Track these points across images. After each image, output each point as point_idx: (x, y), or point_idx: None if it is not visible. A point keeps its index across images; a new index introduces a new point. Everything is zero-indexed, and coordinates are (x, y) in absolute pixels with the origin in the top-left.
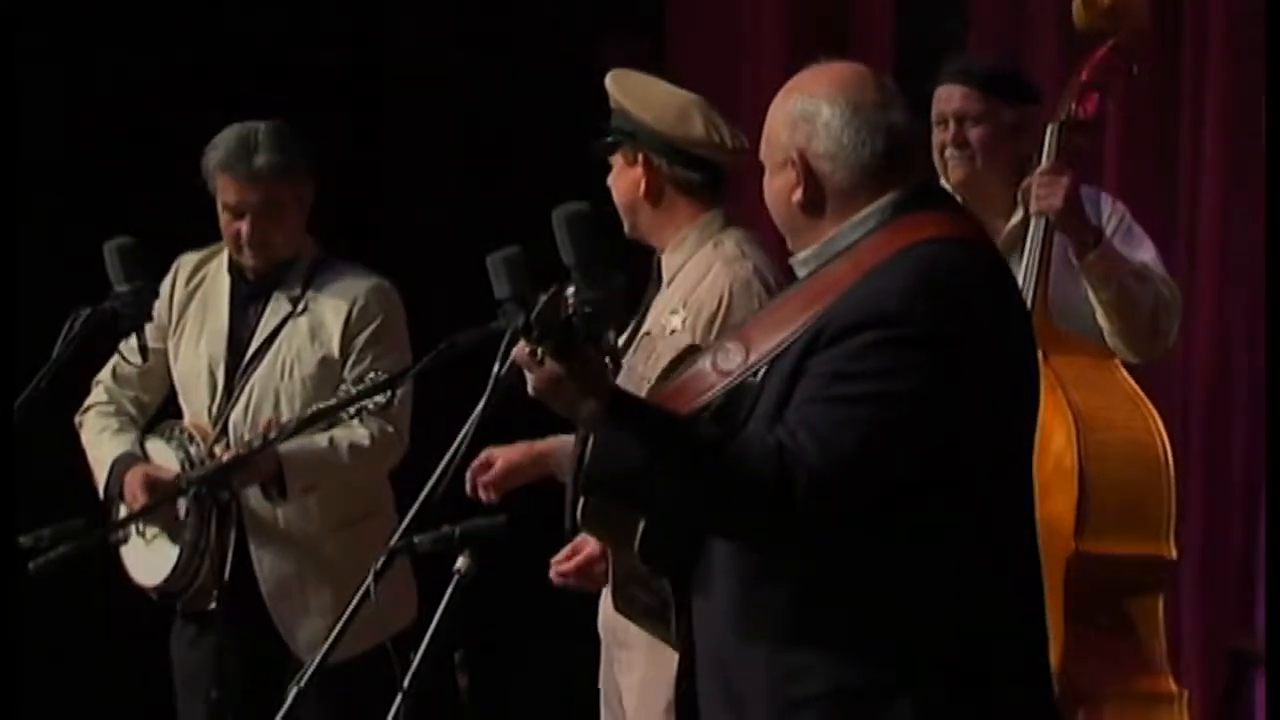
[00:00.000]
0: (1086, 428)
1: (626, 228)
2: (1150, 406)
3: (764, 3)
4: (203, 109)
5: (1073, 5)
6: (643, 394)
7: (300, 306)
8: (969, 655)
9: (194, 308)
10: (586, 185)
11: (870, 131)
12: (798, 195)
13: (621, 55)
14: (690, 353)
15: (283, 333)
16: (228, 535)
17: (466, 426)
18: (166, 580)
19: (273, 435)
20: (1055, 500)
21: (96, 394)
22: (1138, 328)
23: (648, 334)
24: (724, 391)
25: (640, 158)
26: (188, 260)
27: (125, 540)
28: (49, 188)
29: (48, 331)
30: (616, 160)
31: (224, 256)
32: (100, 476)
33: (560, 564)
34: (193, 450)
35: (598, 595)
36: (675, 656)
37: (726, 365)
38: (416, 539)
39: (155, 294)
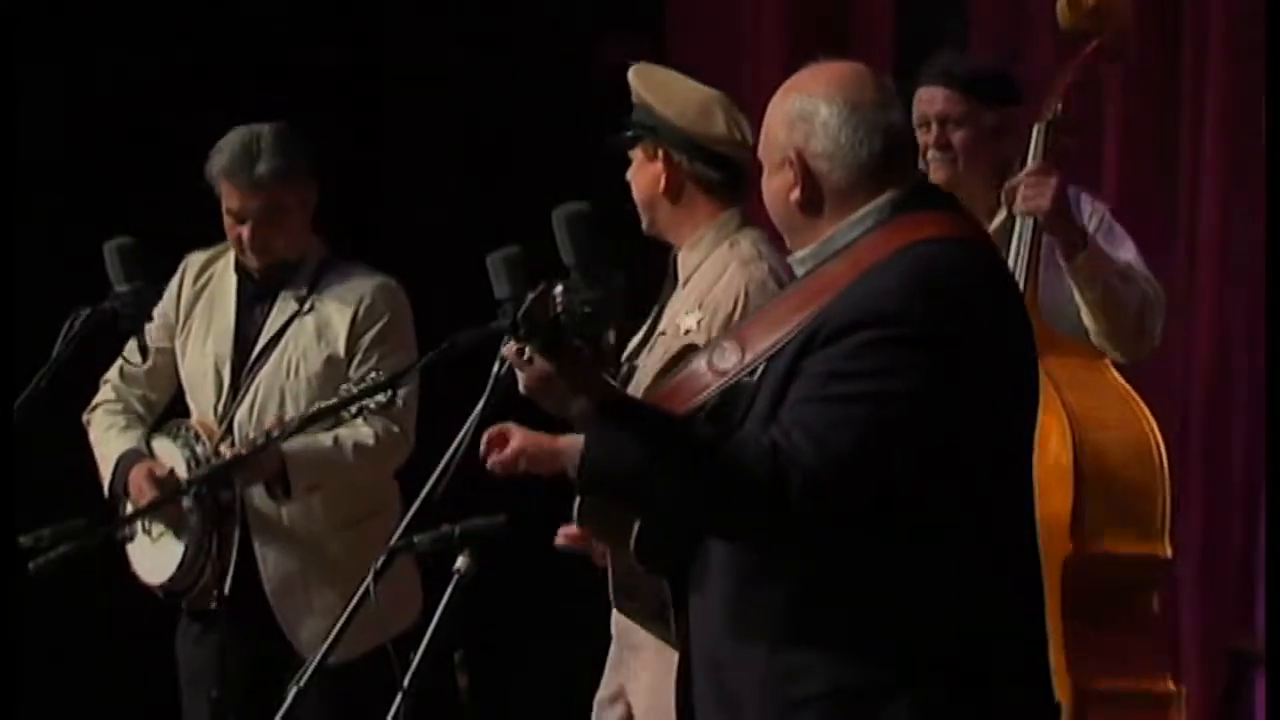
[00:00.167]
0: (1081, 428)
1: (644, 224)
2: (1143, 406)
3: (764, 3)
4: (203, 109)
5: (1057, 6)
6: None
7: (306, 306)
8: (969, 655)
9: (201, 307)
10: (586, 185)
11: (868, 131)
12: (795, 195)
13: (621, 55)
14: (687, 352)
15: (289, 332)
16: (232, 534)
17: (466, 426)
18: (172, 579)
19: (275, 434)
20: (1051, 500)
21: (104, 392)
22: (1124, 327)
23: (663, 333)
24: (720, 391)
25: (661, 153)
26: (195, 259)
27: (131, 538)
28: (49, 188)
29: (48, 331)
30: (636, 155)
31: (230, 256)
32: (106, 474)
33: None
34: (199, 449)
35: (599, 595)
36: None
37: (723, 365)
38: (416, 539)
39: (155, 294)
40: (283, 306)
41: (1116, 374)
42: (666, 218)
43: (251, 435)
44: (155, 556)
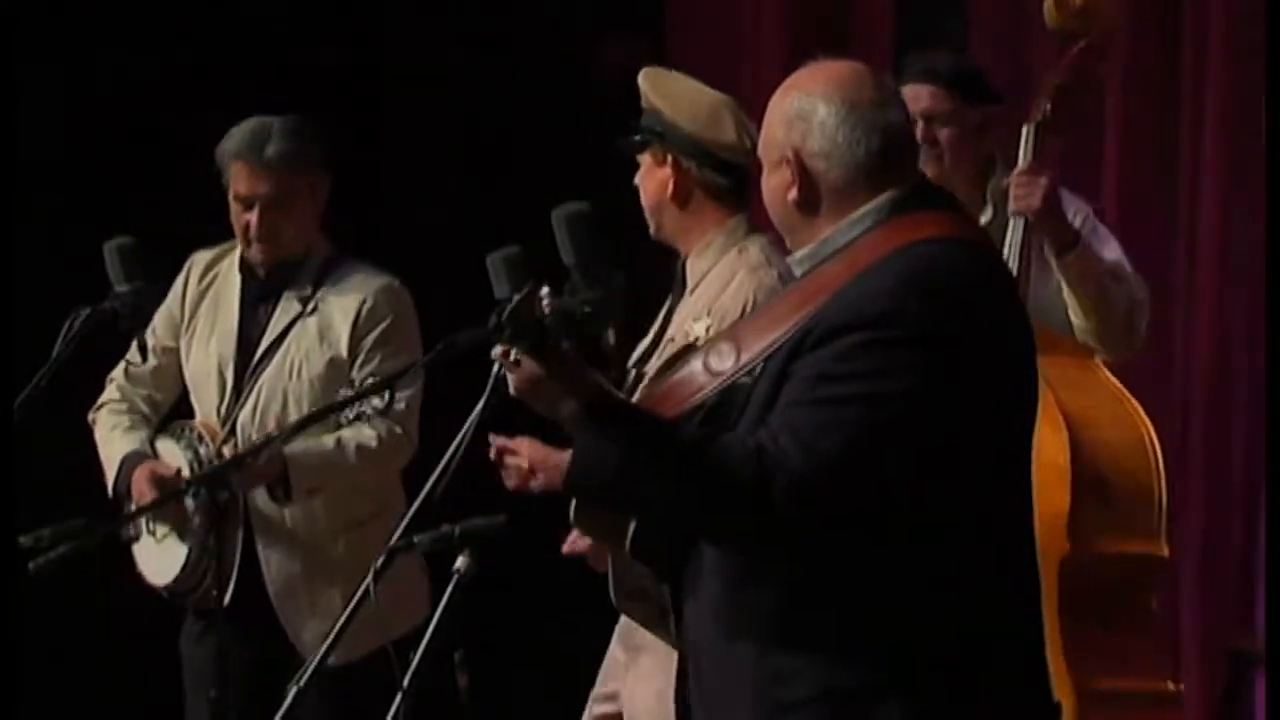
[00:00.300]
0: (1078, 427)
1: (652, 229)
2: (1137, 405)
3: (764, 3)
4: (203, 109)
5: (1044, 6)
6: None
7: (310, 307)
8: (966, 656)
9: (205, 306)
10: (586, 185)
11: (866, 130)
12: (793, 194)
13: (621, 55)
14: (684, 353)
15: (292, 333)
16: (235, 535)
17: (466, 426)
18: (176, 580)
19: (272, 436)
20: (1049, 500)
21: (109, 391)
22: (1113, 326)
23: (671, 340)
24: (715, 392)
25: (670, 159)
26: (200, 258)
27: (137, 538)
28: (49, 188)
29: (48, 331)
30: (645, 159)
31: (236, 255)
32: (110, 475)
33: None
34: (202, 450)
35: (599, 595)
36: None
37: (719, 366)
38: (416, 539)
39: (155, 294)
40: (286, 307)
41: (1108, 373)
42: (674, 223)
43: (255, 437)
44: (160, 558)
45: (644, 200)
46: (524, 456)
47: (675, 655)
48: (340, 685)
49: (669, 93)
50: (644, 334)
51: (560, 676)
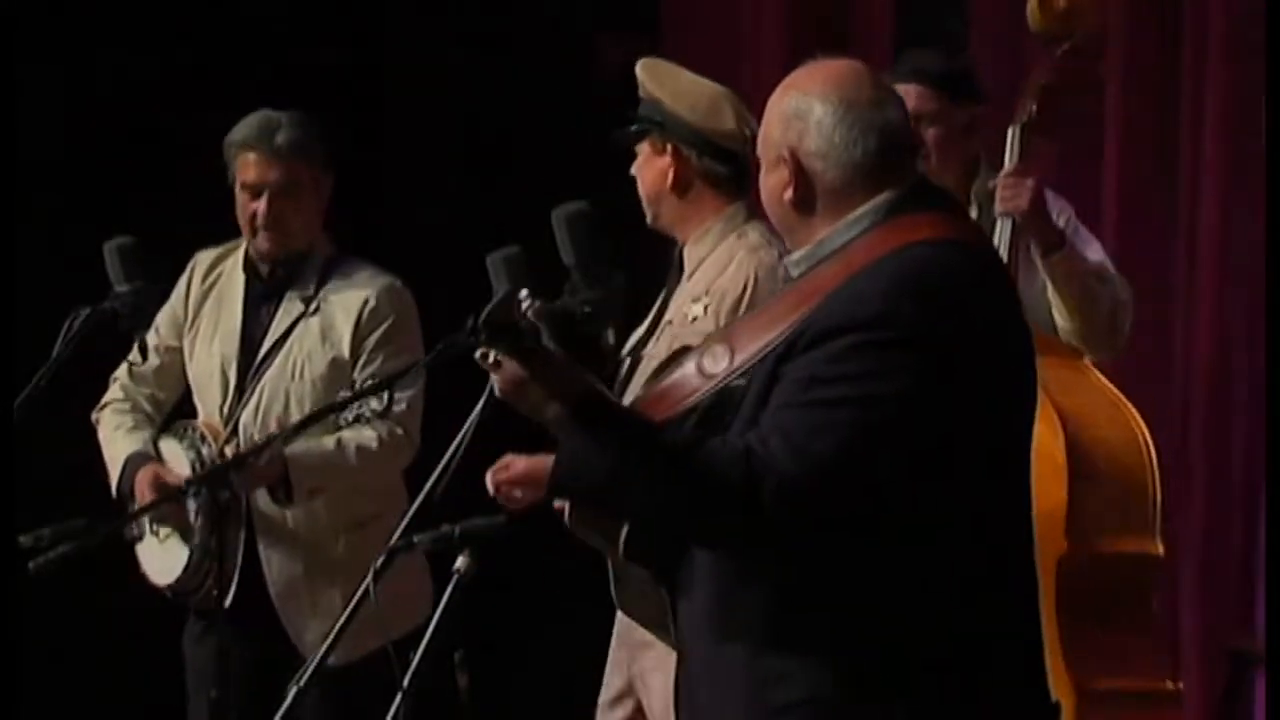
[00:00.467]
0: (1073, 427)
1: (649, 218)
2: (1129, 404)
3: (764, 3)
4: (203, 109)
5: (1028, 8)
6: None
7: (312, 307)
8: (962, 657)
9: (209, 306)
10: (586, 185)
11: (863, 130)
12: (789, 194)
13: (621, 55)
14: (680, 354)
15: (294, 333)
16: (237, 536)
17: (466, 427)
18: (178, 580)
19: (272, 437)
20: (1046, 499)
21: (113, 391)
22: (1097, 327)
23: (669, 323)
24: (709, 395)
25: (670, 148)
26: (204, 257)
27: (140, 539)
28: (49, 188)
29: (48, 331)
30: (643, 149)
31: (239, 254)
32: (114, 475)
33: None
34: (204, 450)
35: (599, 595)
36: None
37: (712, 368)
38: (416, 538)
39: (155, 294)
40: (289, 307)
41: (1099, 374)
42: (673, 212)
43: (257, 438)
44: (163, 558)
45: (642, 189)
46: (516, 472)
47: None
48: (340, 685)
49: (668, 83)
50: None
51: (560, 676)
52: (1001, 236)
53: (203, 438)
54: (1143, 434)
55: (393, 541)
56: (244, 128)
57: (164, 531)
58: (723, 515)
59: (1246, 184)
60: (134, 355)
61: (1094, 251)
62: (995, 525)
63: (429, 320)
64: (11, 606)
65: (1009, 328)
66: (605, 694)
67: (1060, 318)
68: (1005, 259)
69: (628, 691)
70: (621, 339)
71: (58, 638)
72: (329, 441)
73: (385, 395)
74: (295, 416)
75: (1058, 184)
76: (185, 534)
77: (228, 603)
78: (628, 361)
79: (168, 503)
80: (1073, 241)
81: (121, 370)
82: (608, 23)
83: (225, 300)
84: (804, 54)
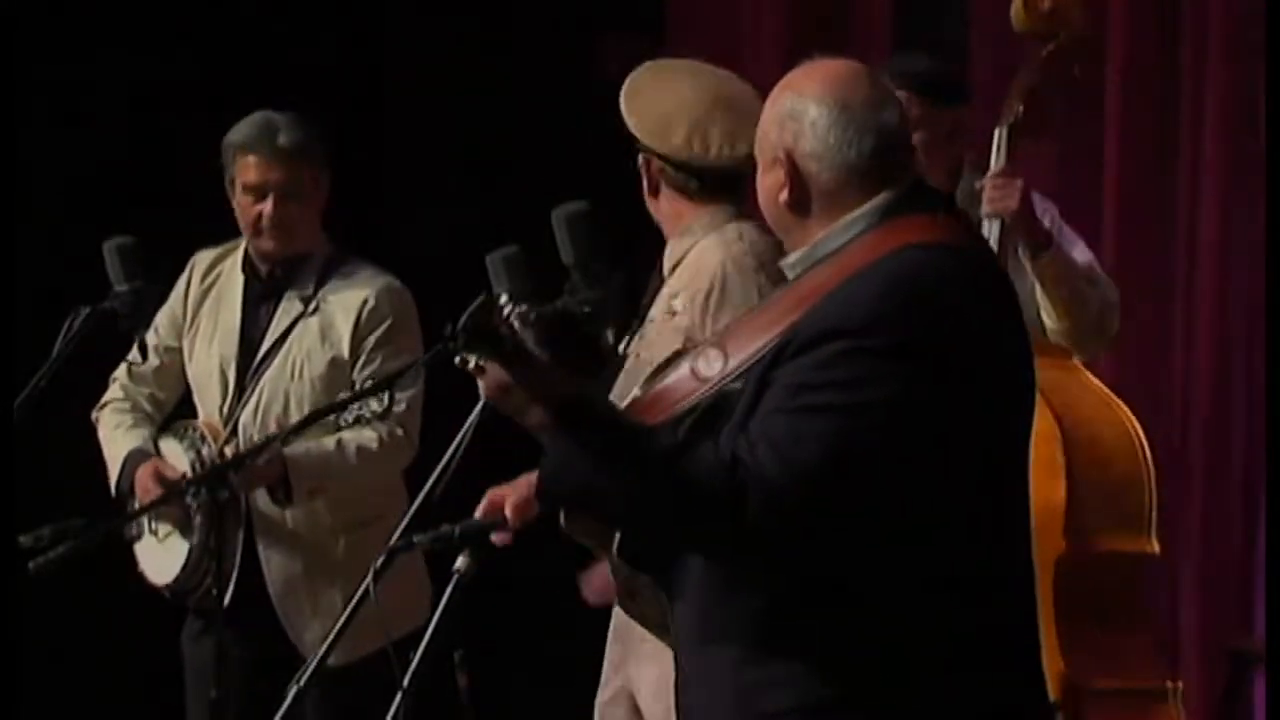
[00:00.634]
0: (1068, 427)
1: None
2: (1121, 404)
3: (764, 3)
4: (203, 109)
5: (1012, 8)
6: (643, 378)
7: (311, 307)
8: (957, 663)
9: (208, 306)
10: (586, 185)
11: (858, 131)
12: (784, 195)
13: (621, 55)
14: (675, 357)
15: (294, 333)
16: (236, 535)
17: (465, 427)
18: (177, 579)
19: (271, 437)
20: (1043, 500)
21: (113, 390)
22: (1085, 327)
23: (652, 320)
24: (702, 399)
25: (641, 158)
26: (203, 257)
27: (139, 538)
28: (49, 188)
29: (48, 331)
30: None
31: (238, 254)
32: (113, 473)
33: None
34: (204, 450)
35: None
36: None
37: (706, 372)
38: (416, 538)
39: (155, 294)
40: (288, 307)
41: (1090, 374)
42: (655, 214)
43: (256, 438)
44: (161, 557)
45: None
46: (510, 501)
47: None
48: (340, 685)
49: (636, 97)
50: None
51: (560, 676)
52: (990, 238)
53: (203, 437)
54: (1136, 432)
55: (393, 541)
56: (244, 129)
57: (163, 530)
58: (708, 522)
59: (1246, 184)
60: (134, 355)
61: (1080, 252)
62: (993, 527)
63: (429, 320)
64: (11, 606)
65: (1005, 330)
66: (603, 693)
67: (1049, 318)
68: None
69: (625, 688)
70: (621, 339)
71: (58, 638)
72: (329, 442)
73: (385, 396)
74: (295, 416)
75: (1058, 184)
76: (184, 533)
77: (226, 602)
78: (628, 359)
79: (170, 500)
80: (1060, 242)
81: (121, 370)
82: (608, 23)
83: (224, 300)
84: (804, 54)
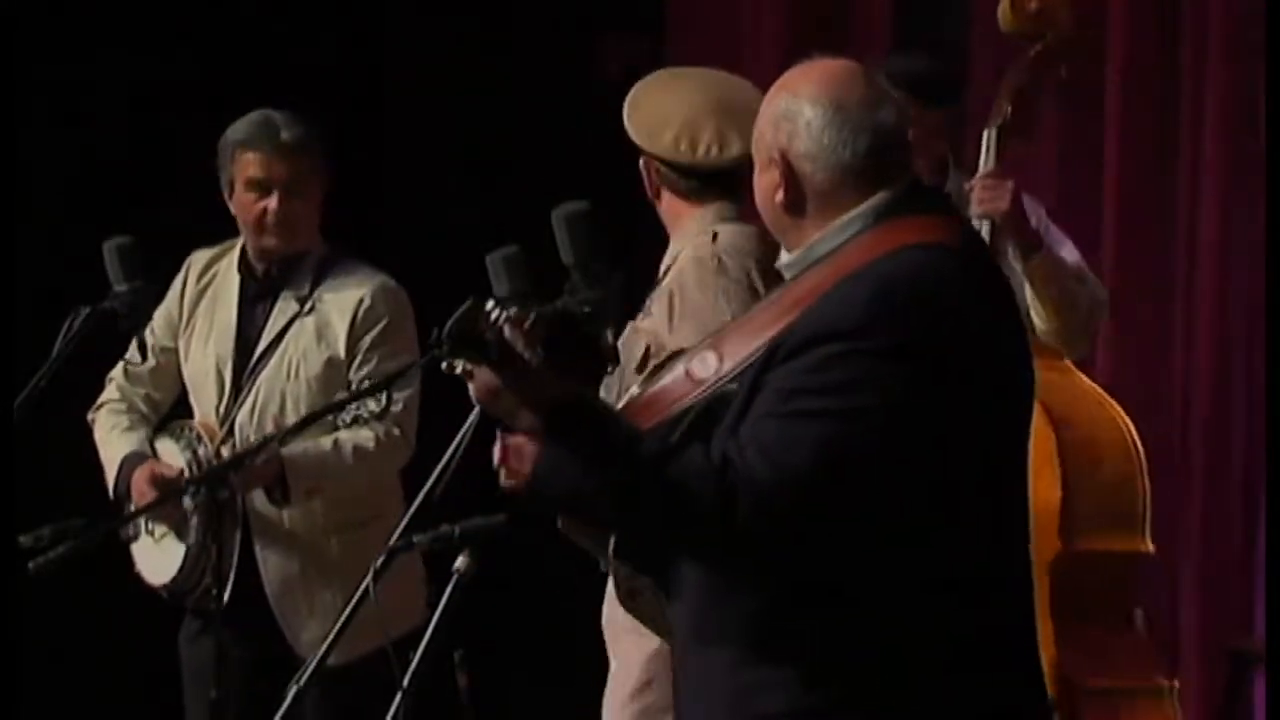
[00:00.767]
0: (1062, 427)
1: None
2: (1114, 403)
3: (764, 3)
4: (202, 109)
5: (999, 9)
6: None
7: (307, 306)
8: (955, 664)
9: (204, 306)
10: (586, 185)
11: (853, 131)
12: (780, 195)
13: (621, 55)
14: (672, 358)
15: (290, 333)
16: (233, 536)
17: (465, 427)
18: (174, 580)
19: (270, 437)
20: (1038, 500)
21: (109, 391)
22: (1074, 327)
23: (634, 330)
24: (696, 400)
25: (642, 159)
26: (199, 257)
27: (136, 538)
28: (49, 188)
29: (48, 331)
30: None
31: (234, 254)
32: (110, 475)
33: None
34: (200, 450)
35: (599, 595)
36: (638, 649)
37: (701, 373)
38: (416, 538)
39: (155, 294)
40: (284, 307)
41: (1082, 375)
42: (661, 214)
43: (253, 438)
44: (158, 557)
45: None
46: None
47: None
48: (339, 685)
49: (636, 102)
50: None
51: (560, 676)
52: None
53: (199, 437)
54: (1129, 432)
55: (392, 541)
56: (244, 127)
57: (159, 531)
58: (698, 525)
59: (1246, 184)
60: (133, 355)
61: (1068, 251)
62: (991, 529)
63: (429, 320)
64: (11, 606)
65: (1004, 331)
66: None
67: (1039, 319)
68: None
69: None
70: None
71: (58, 638)
72: (326, 442)
73: (383, 395)
74: (291, 416)
75: (1058, 184)
76: (181, 533)
77: (224, 603)
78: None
79: (168, 500)
80: (1049, 243)
81: (117, 371)
82: (608, 23)
83: (220, 300)
84: (804, 54)
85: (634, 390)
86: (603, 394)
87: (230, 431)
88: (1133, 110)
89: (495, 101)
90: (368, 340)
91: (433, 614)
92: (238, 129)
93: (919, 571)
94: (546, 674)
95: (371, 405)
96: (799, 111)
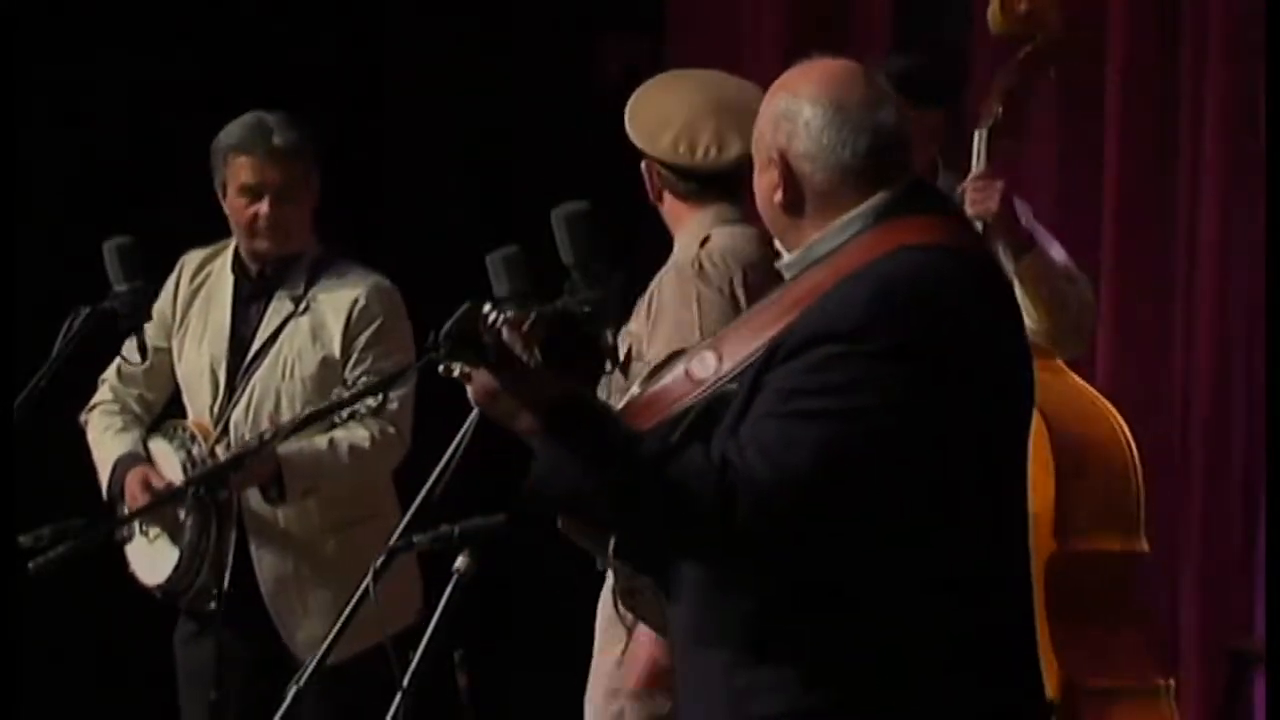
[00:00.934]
0: (1057, 427)
1: None
2: (1107, 402)
3: (764, 3)
4: (202, 109)
5: (989, 10)
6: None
7: (302, 306)
8: (954, 665)
9: (198, 306)
10: (586, 185)
11: (853, 132)
12: (779, 196)
13: (621, 55)
14: (672, 358)
15: (284, 332)
16: (228, 535)
17: (465, 426)
18: (168, 580)
19: (268, 437)
20: (1034, 501)
21: (102, 392)
22: (1065, 327)
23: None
24: (696, 401)
25: (644, 162)
26: (192, 257)
27: (130, 539)
28: (49, 188)
29: (48, 331)
30: None
31: (228, 254)
32: (104, 476)
33: None
34: (194, 450)
35: (598, 595)
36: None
37: (701, 374)
38: (416, 538)
39: (154, 294)
40: (278, 307)
41: (1075, 375)
42: (664, 216)
43: (248, 437)
44: (152, 557)
45: None
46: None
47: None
48: (336, 683)
49: (637, 104)
50: None
51: (560, 676)
52: None
53: (192, 437)
54: (1123, 431)
55: (392, 541)
56: (236, 131)
57: (153, 531)
58: (697, 526)
59: (1246, 184)
60: (132, 355)
61: (1056, 251)
62: (991, 529)
63: (428, 321)
64: (11, 606)
65: (1004, 331)
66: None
67: (1029, 319)
68: None
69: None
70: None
71: (58, 638)
72: (321, 441)
73: (382, 394)
74: (287, 415)
75: (1058, 184)
76: (175, 534)
77: (219, 603)
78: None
79: (168, 504)
80: (1040, 243)
81: (110, 371)
82: (608, 23)
83: (214, 300)
84: (804, 54)
85: (634, 390)
86: (600, 394)
87: (225, 430)
88: (1133, 110)
89: (495, 101)
90: (363, 340)
91: (427, 612)
92: (231, 132)
93: (918, 572)
94: (546, 674)
95: (370, 401)
96: (798, 111)
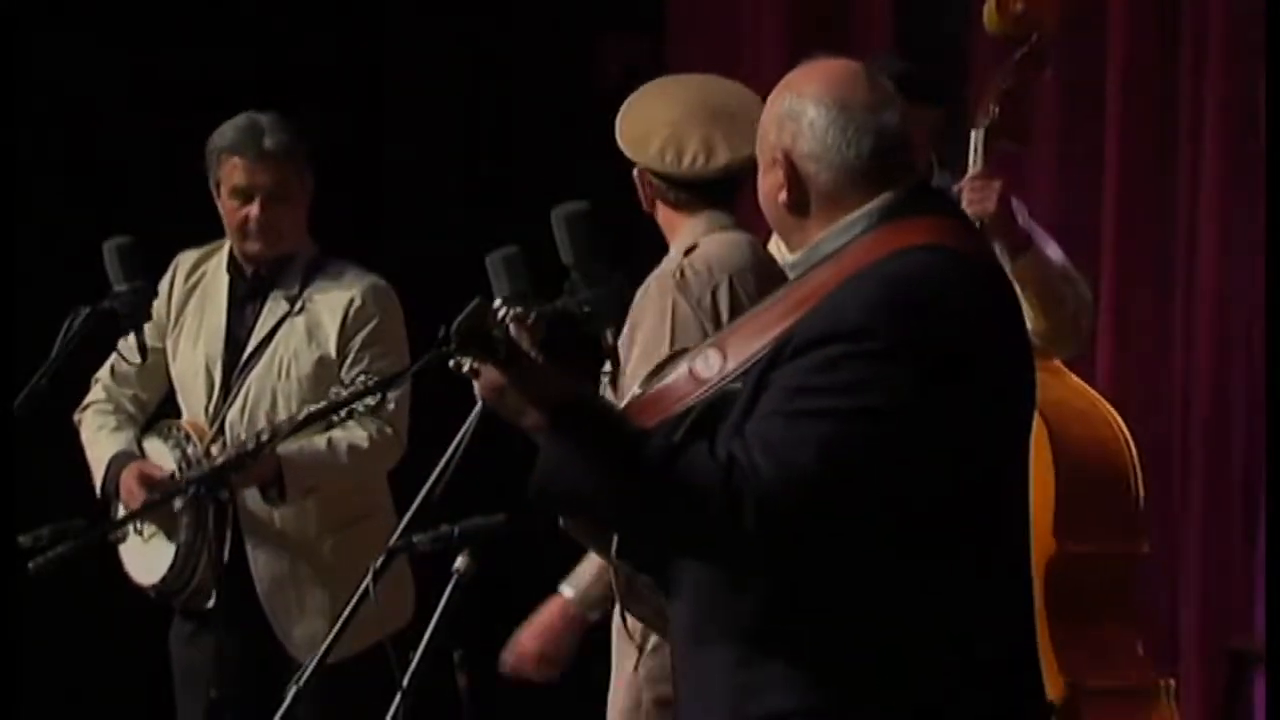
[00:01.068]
0: (1056, 428)
1: None
2: (1105, 403)
3: (764, 3)
4: (202, 109)
5: (984, 10)
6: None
7: (297, 306)
8: (953, 665)
9: (192, 306)
10: (587, 185)
11: (857, 132)
12: (783, 196)
13: (621, 55)
14: (675, 357)
15: (280, 332)
16: (224, 535)
17: (466, 426)
18: (163, 579)
19: (266, 437)
20: (1033, 501)
21: (95, 392)
22: (1063, 327)
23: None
24: (700, 399)
25: (635, 169)
26: (187, 258)
27: (124, 539)
28: (49, 188)
29: (48, 331)
30: None
31: (223, 254)
32: (98, 475)
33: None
34: (189, 450)
35: None
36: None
37: (705, 373)
38: (415, 538)
39: (154, 293)
40: (273, 307)
41: (1073, 375)
42: (659, 222)
43: (243, 437)
44: (147, 557)
45: None
46: (528, 651)
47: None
48: (332, 683)
49: (625, 111)
50: None
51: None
52: None
53: (187, 437)
54: (1122, 432)
55: (392, 541)
56: (228, 132)
57: (148, 531)
58: (702, 525)
59: (1246, 184)
60: (131, 354)
61: (1054, 251)
62: (992, 530)
63: (428, 320)
64: (11, 606)
65: (1007, 334)
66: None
67: (1027, 319)
68: None
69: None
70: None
71: (58, 638)
72: (320, 441)
73: (380, 394)
74: (282, 415)
75: (1058, 184)
76: (170, 532)
77: (215, 602)
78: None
79: (167, 502)
80: (1037, 243)
81: (104, 371)
82: (608, 23)
83: (209, 300)
84: (804, 55)
85: (636, 389)
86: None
87: (220, 430)
88: (1133, 110)
89: (495, 102)
90: (359, 340)
91: (426, 611)
92: (223, 133)
93: (919, 571)
94: None
95: (368, 400)
96: (803, 111)
